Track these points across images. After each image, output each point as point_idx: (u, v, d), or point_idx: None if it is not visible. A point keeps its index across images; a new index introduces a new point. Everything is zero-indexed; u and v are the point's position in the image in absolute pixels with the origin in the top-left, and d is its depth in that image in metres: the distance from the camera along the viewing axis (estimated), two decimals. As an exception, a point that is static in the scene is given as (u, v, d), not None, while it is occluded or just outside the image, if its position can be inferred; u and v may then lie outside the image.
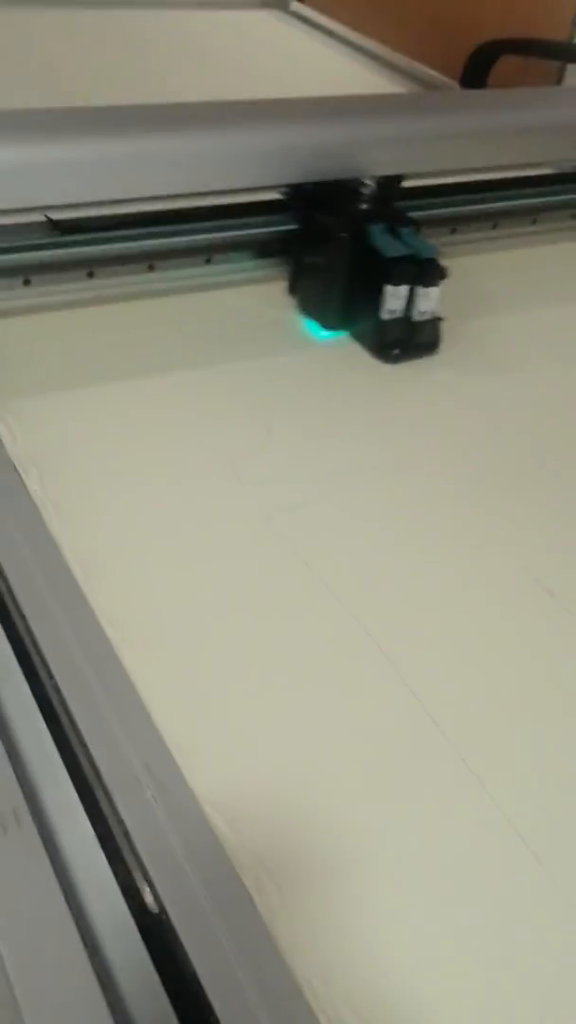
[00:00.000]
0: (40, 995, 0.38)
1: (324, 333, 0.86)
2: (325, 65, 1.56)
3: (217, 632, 0.56)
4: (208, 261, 0.86)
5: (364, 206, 0.86)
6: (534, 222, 1.09)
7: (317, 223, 0.85)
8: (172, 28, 1.58)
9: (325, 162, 0.86)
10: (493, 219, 1.05)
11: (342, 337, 0.85)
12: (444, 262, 0.81)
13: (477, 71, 1.50)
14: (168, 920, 0.41)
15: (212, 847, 0.44)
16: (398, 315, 0.82)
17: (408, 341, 0.83)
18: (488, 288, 0.97)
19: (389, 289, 0.80)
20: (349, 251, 0.82)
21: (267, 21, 1.67)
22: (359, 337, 0.85)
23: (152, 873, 0.42)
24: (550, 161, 1.10)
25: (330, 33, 1.64)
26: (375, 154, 0.89)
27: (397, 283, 0.80)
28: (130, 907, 0.41)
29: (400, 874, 0.45)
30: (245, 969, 0.40)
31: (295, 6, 1.71)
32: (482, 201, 1.03)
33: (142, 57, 1.44)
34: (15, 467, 0.64)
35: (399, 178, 0.92)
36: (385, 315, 0.82)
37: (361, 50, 1.61)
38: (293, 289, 0.89)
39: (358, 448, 0.72)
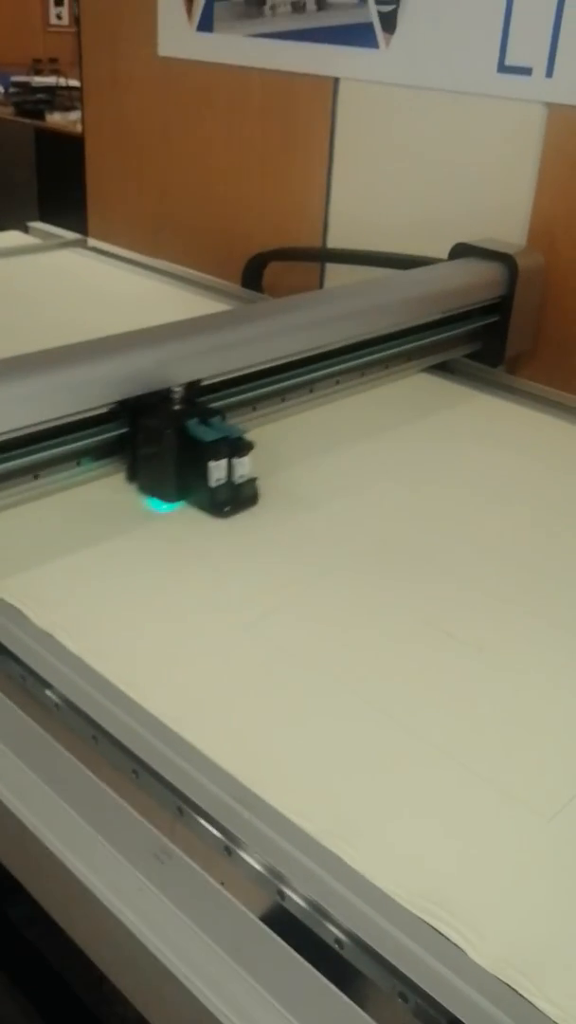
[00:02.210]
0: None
1: (165, 506, 1.09)
2: (125, 286, 1.89)
3: (243, 701, 0.79)
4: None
5: (177, 407, 1.09)
6: (311, 391, 1.37)
7: (147, 426, 1.08)
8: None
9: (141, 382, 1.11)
10: (281, 395, 1.32)
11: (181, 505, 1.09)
12: (249, 435, 1.08)
13: (252, 276, 1.87)
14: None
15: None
16: (223, 481, 1.07)
17: (235, 499, 1.08)
18: (281, 449, 1.23)
19: (212, 464, 1.05)
20: (175, 442, 1.07)
21: (70, 258, 1.99)
22: (196, 503, 1.08)
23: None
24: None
25: (124, 260, 1.98)
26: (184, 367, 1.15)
27: (217, 459, 1.05)
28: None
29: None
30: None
31: (92, 242, 2.05)
32: (273, 383, 1.30)
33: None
34: (49, 633, 0.85)
35: (198, 381, 1.17)
36: (213, 483, 1.06)
37: (153, 269, 1.95)
38: (133, 477, 1.12)
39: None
